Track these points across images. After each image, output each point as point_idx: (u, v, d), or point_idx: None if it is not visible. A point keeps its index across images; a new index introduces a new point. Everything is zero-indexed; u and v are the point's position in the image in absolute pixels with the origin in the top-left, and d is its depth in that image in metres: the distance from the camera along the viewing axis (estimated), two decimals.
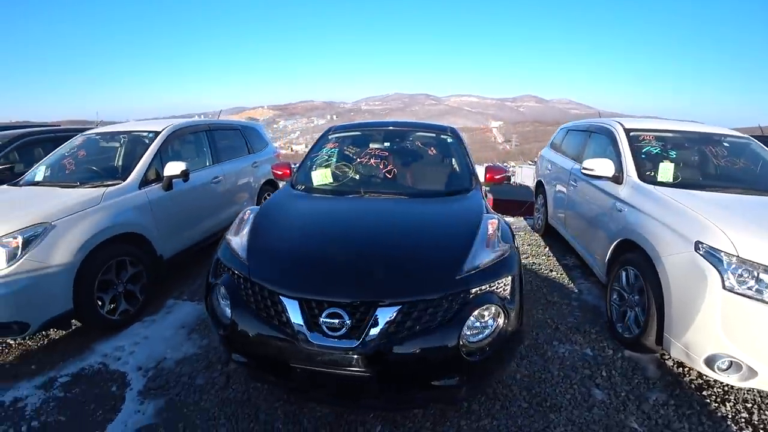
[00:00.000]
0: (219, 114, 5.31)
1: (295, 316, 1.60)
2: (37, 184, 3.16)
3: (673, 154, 3.02)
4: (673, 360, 2.44)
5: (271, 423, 1.97)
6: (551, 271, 3.91)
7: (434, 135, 3.36)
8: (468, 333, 1.62)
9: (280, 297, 1.65)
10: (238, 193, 4.54)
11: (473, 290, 1.68)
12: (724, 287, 1.90)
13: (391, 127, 3.53)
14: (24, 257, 2.29)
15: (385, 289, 1.65)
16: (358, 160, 2.96)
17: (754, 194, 2.58)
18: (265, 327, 1.66)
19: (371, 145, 3.13)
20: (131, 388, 2.26)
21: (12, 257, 2.27)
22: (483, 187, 2.84)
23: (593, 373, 2.34)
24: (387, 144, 3.26)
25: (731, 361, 1.93)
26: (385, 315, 1.57)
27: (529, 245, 4.70)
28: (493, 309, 1.67)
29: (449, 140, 3.27)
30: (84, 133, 3.86)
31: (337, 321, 1.57)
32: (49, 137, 4.59)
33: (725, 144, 3.17)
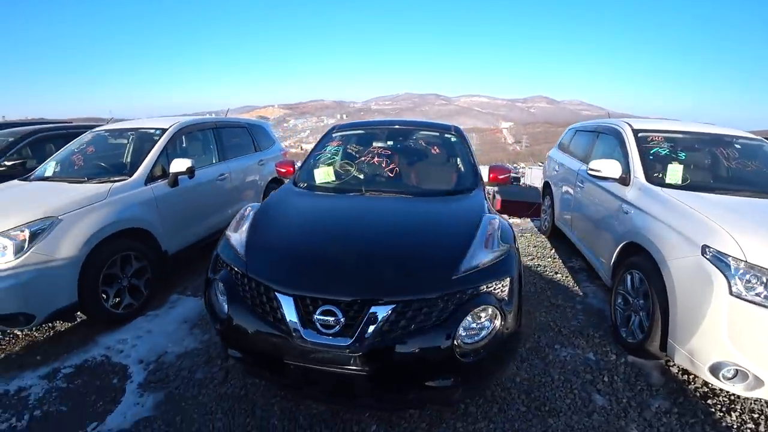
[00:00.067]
0: (227, 112, 5.36)
1: (290, 313, 1.60)
2: (46, 179, 3.22)
3: (682, 155, 2.95)
4: (678, 367, 2.38)
5: (267, 419, 1.98)
6: (556, 273, 3.85)
7: (438, 134, 3.34)
8: (463, 334, 1.60)
9: (276, 293, 1.65)
10: (244, 190, 4.57)
11: (470, 291, 1.66)
12: (730, 293, 1.85)
13: (394, 126, 3.52)
14: (31, 250, 2.34)
15: (380, 288, 1.64)
16: (361, 158, 2.95)
17: (766, 198, 2.50)
18: (260, 323, 1.67)
19: (374, 144, 3.13)
20: (132, 380, 2.29)
21: (19, 250, 2.32)
22: (487, 187, 2.81)
23: (595, 378, 2.30)
24: (390, 143, 3.25)
25: (737, 370, 1.87)
26: (379, 313, 1.56)
27: (535, 247, 4.64)
28: (490, 310, 1.65)
29: (453, 139, 3.24)
30: (94, 129, 3.93)
31: (331, 319, 1.57)
32: (61, 134, 4.69)
33: (737, 146, 3.08)
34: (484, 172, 2.89)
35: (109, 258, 2.74)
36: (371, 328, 1.55)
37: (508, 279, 1.76)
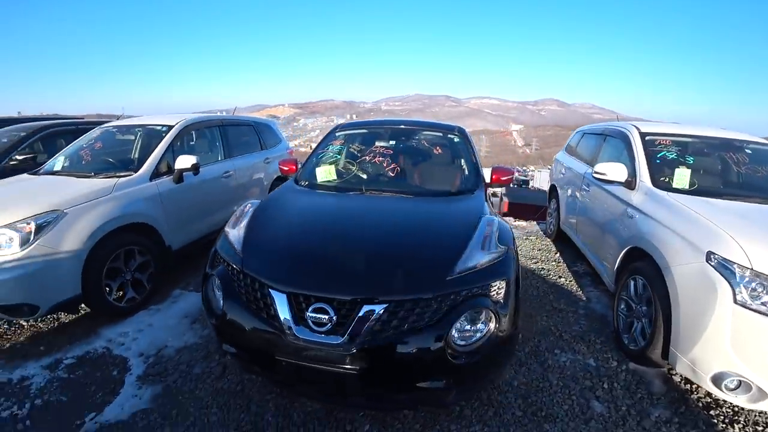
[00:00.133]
0: (234, 110, 5.41)
1: (283, 310, 1.61)
2: (54, 173, 3.29)
3: (690, 159, 2.88)
4: (680, 376, 2.32)
5: (261, 414, 1.99)
6: (560, 277, 3.80)
7: (441, 134, 3.33)
8: (456, 335, 1.58)
9: (270, 290, 1.66)
10: (249, 188, 4.60)
11: (464, 292, 1.64)
12: (735, 301, 1.80)
13: (398, 126, 3.51)
14: (36, 242, 2.38)
15: (373, 287, 1.63)
16: (363, 157, 2.95)
17: None
18: (254, 319, 1.68)
19: (377, 143, 3.12)
20: (131, 373, 2.32)
21: (25, 242, 2.37)
22: (489, 188, 2.78)
23: (594, 385, 2.26)
24: (393, 142, 3.24)
25: (740, 381, 1.82)
26: (371, 313, 1.55)
27: (539, 250, 4.59)
28: (484, 312, 1.63)
29: (456, 140, 3.22)
30: (103, 125, 4.00)
31: (324, 317, 1.57)
32: (71, 129, 4.78)
33: (747, 150, 2.99)
34: (487, 173, 2.87)
35: (113, 252, 2.78)
36: (363, 327, 1.54)
37: (505, 281, 1.73)
